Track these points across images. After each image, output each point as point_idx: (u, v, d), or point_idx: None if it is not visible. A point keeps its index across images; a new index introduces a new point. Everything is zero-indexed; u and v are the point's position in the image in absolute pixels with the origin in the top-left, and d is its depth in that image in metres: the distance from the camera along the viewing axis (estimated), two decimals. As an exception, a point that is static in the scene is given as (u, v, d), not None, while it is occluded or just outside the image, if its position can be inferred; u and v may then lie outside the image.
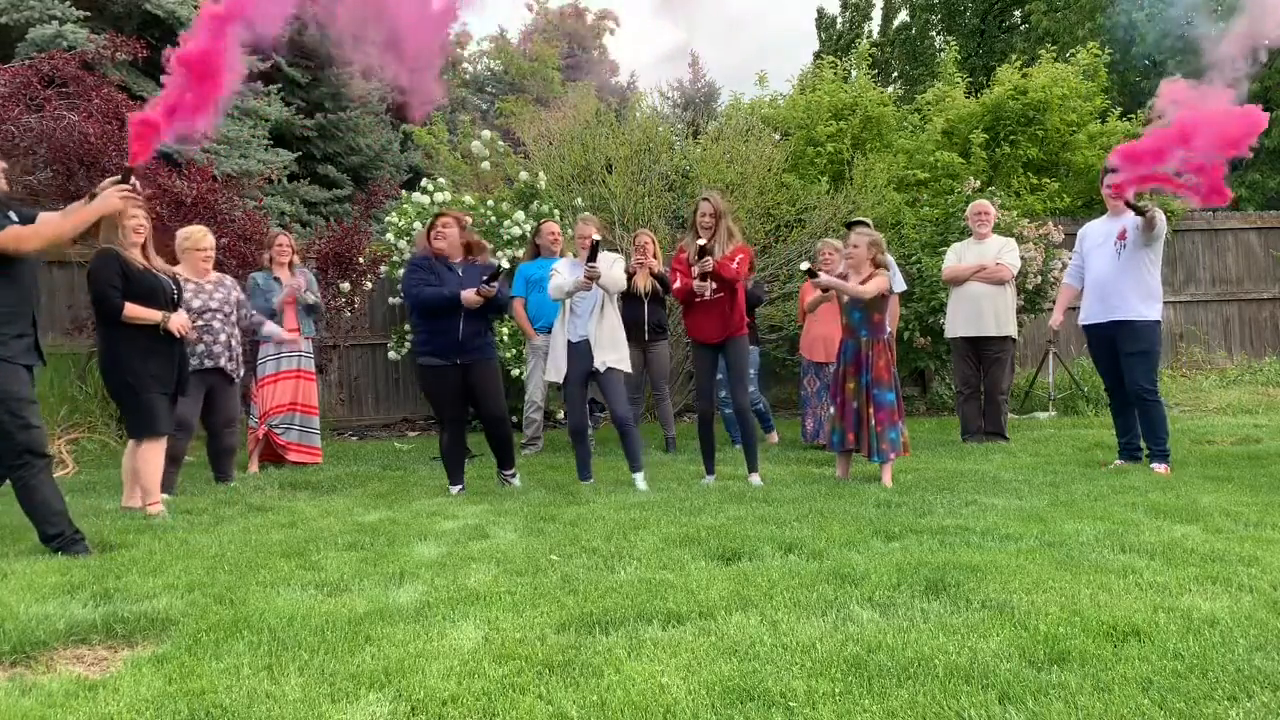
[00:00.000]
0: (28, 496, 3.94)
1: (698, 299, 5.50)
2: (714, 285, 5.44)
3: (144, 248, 4.97)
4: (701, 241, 5.38)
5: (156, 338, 4.88)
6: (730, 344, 5.56)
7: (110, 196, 3.96)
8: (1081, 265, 6.05)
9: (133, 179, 4.08)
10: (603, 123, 9.99)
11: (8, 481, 4.06)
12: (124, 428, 5.07)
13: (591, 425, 6.35)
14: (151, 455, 4.86)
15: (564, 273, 5.59)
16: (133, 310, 4.82)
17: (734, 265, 5.40)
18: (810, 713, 2.13)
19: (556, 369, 5.59)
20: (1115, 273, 5.68)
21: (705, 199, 5.54)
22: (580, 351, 5.52)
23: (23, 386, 3.93)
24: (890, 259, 7.69)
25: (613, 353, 5.47)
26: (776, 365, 10.14)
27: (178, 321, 4.95)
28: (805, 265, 5.46)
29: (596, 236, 5.36)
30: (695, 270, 5.40)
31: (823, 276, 5.47)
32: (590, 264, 5.30)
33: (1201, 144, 4.74)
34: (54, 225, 3.95)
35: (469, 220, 5.65)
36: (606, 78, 23.59)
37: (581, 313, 5.54)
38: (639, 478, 5.45)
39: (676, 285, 5.60)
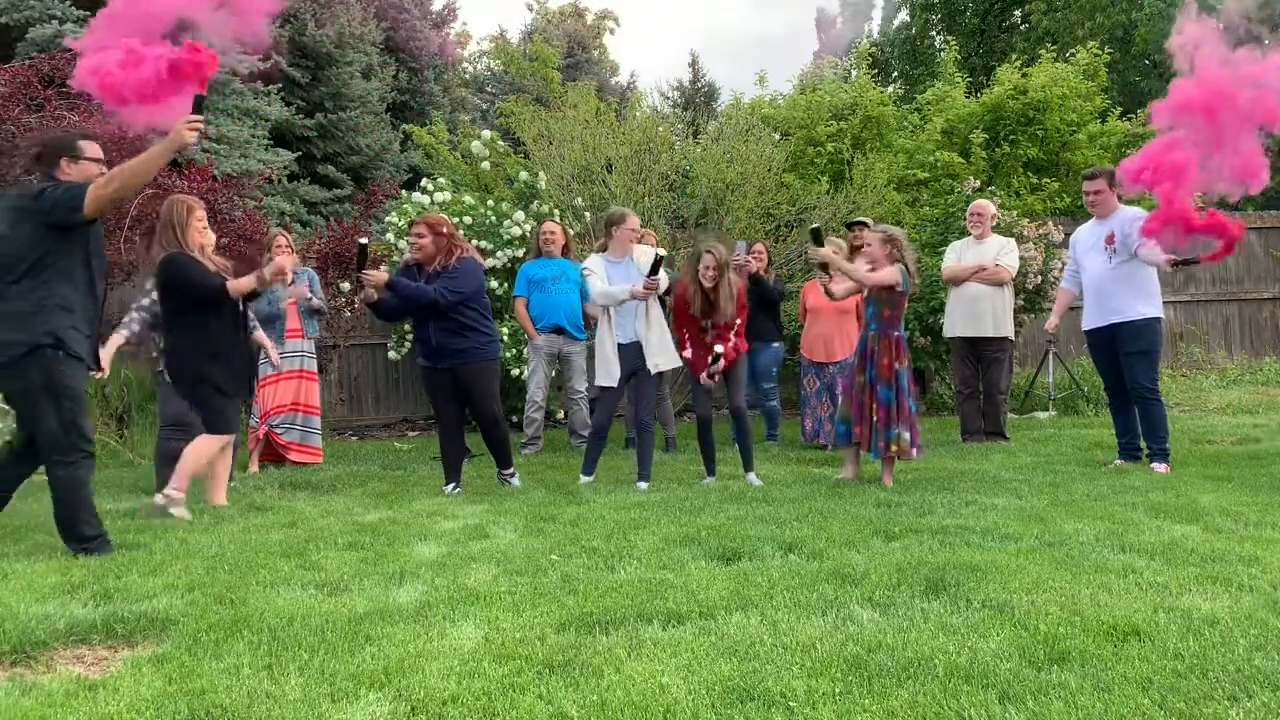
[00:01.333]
0: (74, 491, 3.91)
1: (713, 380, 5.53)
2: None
3: (203, 249, 4.93)
4: (719, 349, 5.39)
5: (223, 342, 4.86)
6: None
7: (181, 130, 3.89)
8: (1077, 270, 6.04)
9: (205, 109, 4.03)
10: (603, 123, 9.99)
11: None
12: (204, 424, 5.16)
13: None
14: (205, 447, 4.88)
15: (599, 273, 5.52)
16: (233, 284, 4.82)
17: (730, 345, 5.48)
18: (810, 713, 2.13)
19: (610, 374, 5.51)
20: (1109, 276, 5.66)
21: (709, 251, 5.46)
22: (627, 354, 5.51)
23: (84, 384, 3.98)
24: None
25: (664, 355, 5.50)
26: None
27: (277, 266, 4.90)
28: (815, 225, 5.43)
29: (662, 252, 5.38)
30: (708, 369, 5.43)
31: (821, 250, 5.39)
32: (652, 277, 5.30)
33: (1235, 114, 4.54)
34: (130, 166, 3.91)
35: (444, 223, 5.52)
36: (606, 78, 23.60)
37: (625, 314, 5.52)
38: (643, 486, 5.45)
39: (687, 354, 5.59)
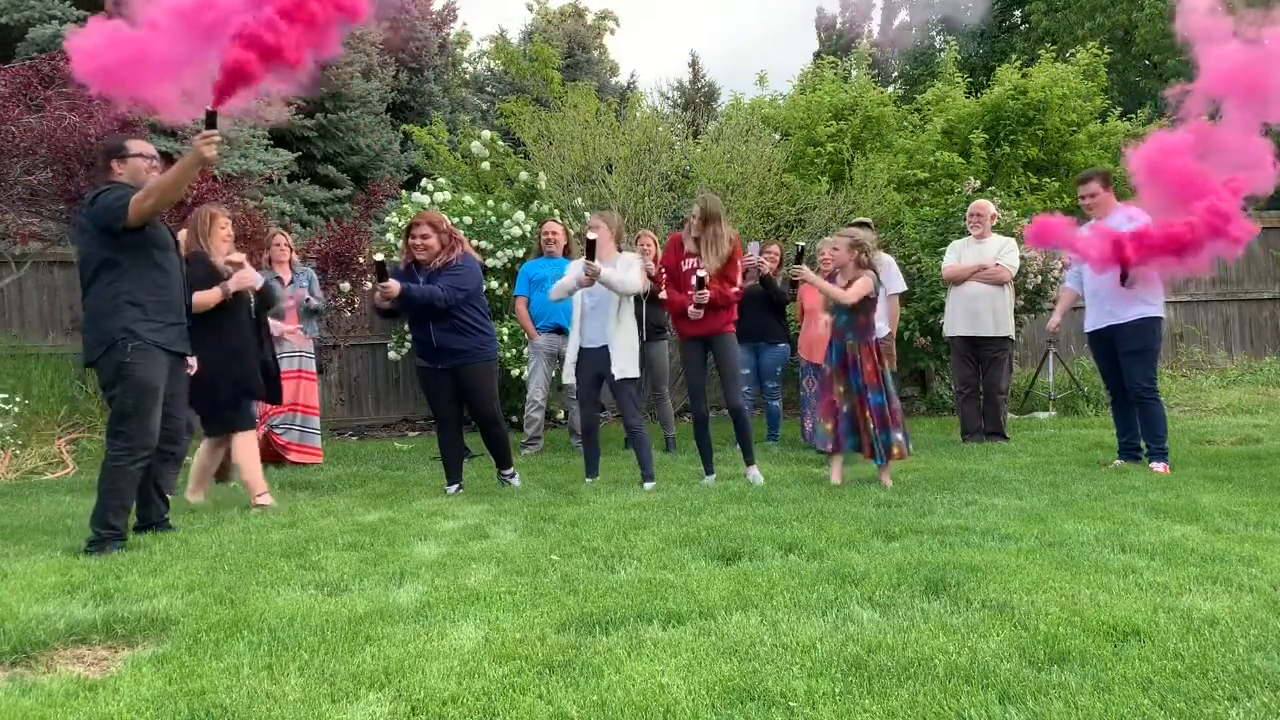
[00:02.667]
0: (114, 479, 4.03)
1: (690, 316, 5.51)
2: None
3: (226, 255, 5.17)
4: (702, 273, 5.33)
5: (241, 341, 5.06)
6: (718, 340, 5.56)
7: (199, 146, 3.98)
8: (1080, 270, 6.03)
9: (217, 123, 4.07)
10: (603, 123, 10.00)
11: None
12: (202, 425, 5.40)
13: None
14: (246, 446, 5.10)
15: (571, 273, 5.58)
16: (198, 298, 5.01)
17: (733, 292, 5.46)
18: (810, 713, 2.13)
19: (569, 374, 5.65)
20: (1108, 277, 5.63)
21: (698, 202, 5.53)
22: (592, 357, 5.54)
23: (159, 378, 4.11)
24: (890, 259, 7.69)
25: (627, 362, 5.47)
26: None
27: (240, 278, 5.07)
28: (801, 243, 5.40)
29: (591, 235, 5.29)
30: (692, 298, 5.38)
31: (803, 270, 5.37)
32: (589, 261, 5.26)
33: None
34: (163, 180, 4.06)
35: (444, 220, 5.55)
36: (606, 78, 23.59)
37: (595, 317, 5.53)
38: (649, 487, 5.44)
39: (663, 296, 5.67)
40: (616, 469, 6.18)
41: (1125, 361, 5.66)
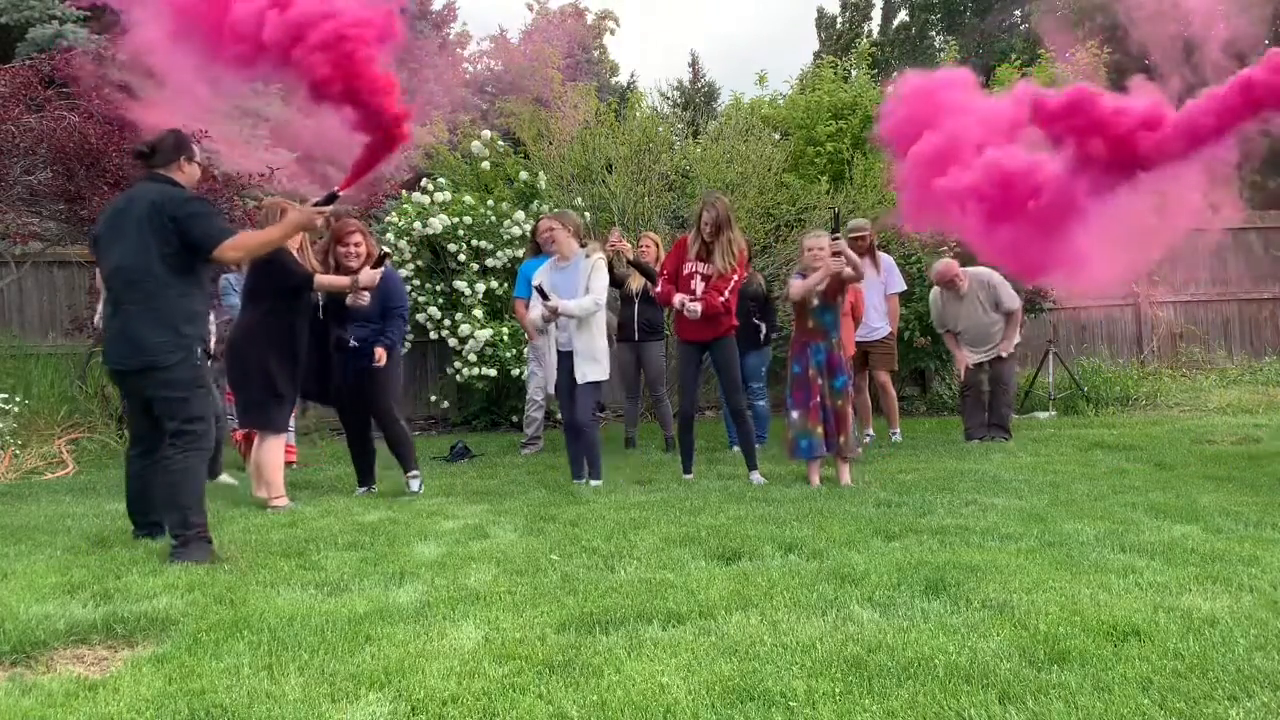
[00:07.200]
0: (189, 476, 3.91)
1: (686, 314, 5.51)
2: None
3: (301, 249, 5.25)
4: (693, 301, 5.41)
5: (294, 341, 5.08)
6: (718, 344, 5.56)
7: (310, 214, 4.09)
8: None
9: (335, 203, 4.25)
10: (603, 123, 9.99)
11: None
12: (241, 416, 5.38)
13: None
14: (272, 449, 5.08)
15: (545, 287, 5.61)
16: (323, 279, 5.09)
17: (721, 300, 5.44)
18: (810, 713, 2.13)
19: (550, 381, 5.73)
20: None
21: (711, 206, 5.53)
22: (566, 361, 5.58)
23: (204, 376, 4.08)
24: (890, 259, 7.69)
25: (590, 365, 5.47)
26: (776, 365, 10.14)
27: (367, 278, 5.16)
28: (834, 207, 5.36)
29: (537, 282, 5.46)
30: (686, 302, 5.42)
31: (843, 244, 5.30)
32: (546, 303, 5.40)
33: None
34: (254, 236, 4.15)
35: (367, 228, 5.64)
36: (607, 78, 23.59)
37: (564, 323, 5.56)
38: (578, 483, 5.48)
39: (658, 290, 5.70)
40: (617, 470, 6.18)
41: None
